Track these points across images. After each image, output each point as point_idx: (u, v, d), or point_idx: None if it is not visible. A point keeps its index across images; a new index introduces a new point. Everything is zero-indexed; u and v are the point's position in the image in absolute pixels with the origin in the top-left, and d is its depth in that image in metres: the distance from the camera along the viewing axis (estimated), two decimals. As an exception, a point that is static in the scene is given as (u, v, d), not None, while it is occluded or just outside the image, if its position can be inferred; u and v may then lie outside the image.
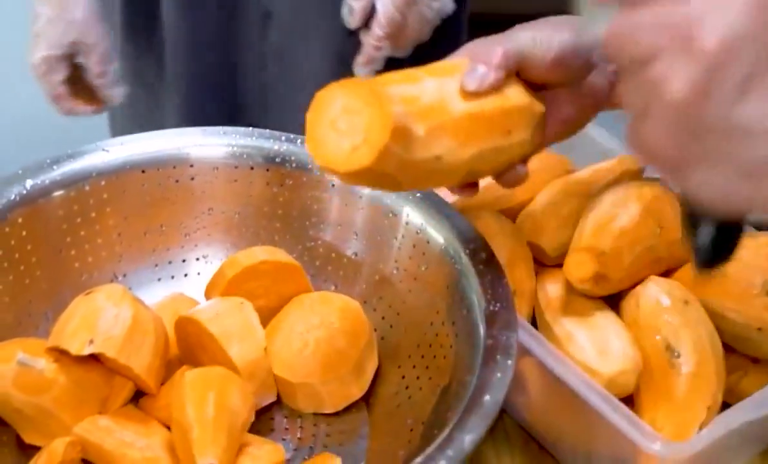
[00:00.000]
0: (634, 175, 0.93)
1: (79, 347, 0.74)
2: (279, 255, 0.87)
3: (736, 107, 0.48)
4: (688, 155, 0.50)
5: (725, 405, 0.79)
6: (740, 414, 0.76)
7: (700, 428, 0.76)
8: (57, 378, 0.75)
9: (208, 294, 0.87)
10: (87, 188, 0.86)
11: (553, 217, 0.90)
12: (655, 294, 0.81)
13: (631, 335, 0.81)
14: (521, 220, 0.92)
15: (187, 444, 0.71)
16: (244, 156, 0.91)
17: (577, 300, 0.84)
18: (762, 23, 0.47)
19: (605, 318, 0.82)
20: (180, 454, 0.72)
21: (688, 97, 0.48)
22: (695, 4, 0.49)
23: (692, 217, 0.57)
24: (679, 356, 0.78)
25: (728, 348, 0.82)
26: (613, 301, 0.85)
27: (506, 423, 0.87)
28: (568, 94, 0.77)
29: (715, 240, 0.56)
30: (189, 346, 0.82)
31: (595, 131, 1.00)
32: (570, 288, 0.85)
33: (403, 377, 0.82)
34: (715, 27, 0.47)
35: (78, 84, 1.11)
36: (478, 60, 0.70)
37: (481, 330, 0.74)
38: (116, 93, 1.13)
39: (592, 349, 0.79)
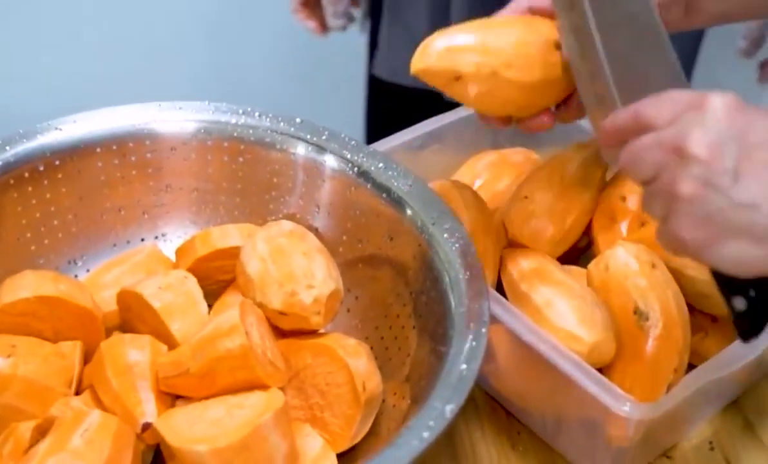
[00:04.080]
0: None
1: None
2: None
3: (735, 190, 0.59)
4: (709, 237, 0.61)
5: (689, 366, 0.80)
6: (705, 374, 0.77)
7: (668, 389, 0.78)
8: (15, 373, 0.72)
9: (177, 259, 0.86)
10: (41, 168, 0.84)
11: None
12: (624, 258, 0.82)
13: (602, 299, 0.82)
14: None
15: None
16: (201, 131, 0.89)
17: (552, 270, 0.85)
18: (736, 124, 0.60)
19: (583, 287, 0.83)
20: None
21: (694, 192, 0.60)
22: (683, 123, 0.61)
23: (726, 291, 0.66)
24: (647, 319, 0.79)
25: (690, 308, 0.84)
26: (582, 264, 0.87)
27: (474, 391, 0.87)
28: None
29: (751, 307, 0.65)
30: (131, 318, 0.81)
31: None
32: (543, 260, 0.86)
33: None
34: (699, 136, 0.60)
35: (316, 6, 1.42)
36: None
37: (451, 299, 0.75)
38: (336, 24, 1.43)
39: (572, 317, 0.80)
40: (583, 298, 0.81)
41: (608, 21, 0.72)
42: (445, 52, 0.77)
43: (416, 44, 0.78)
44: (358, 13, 1.47)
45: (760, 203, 0.59)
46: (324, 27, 1.45)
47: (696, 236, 0.61)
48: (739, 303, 0.65)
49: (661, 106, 0.64)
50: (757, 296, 0.65)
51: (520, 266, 0.86)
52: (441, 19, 1.30)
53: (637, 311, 0.80)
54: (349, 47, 1.65)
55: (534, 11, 0.81)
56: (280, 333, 0.79)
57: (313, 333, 0.78)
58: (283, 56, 2.20)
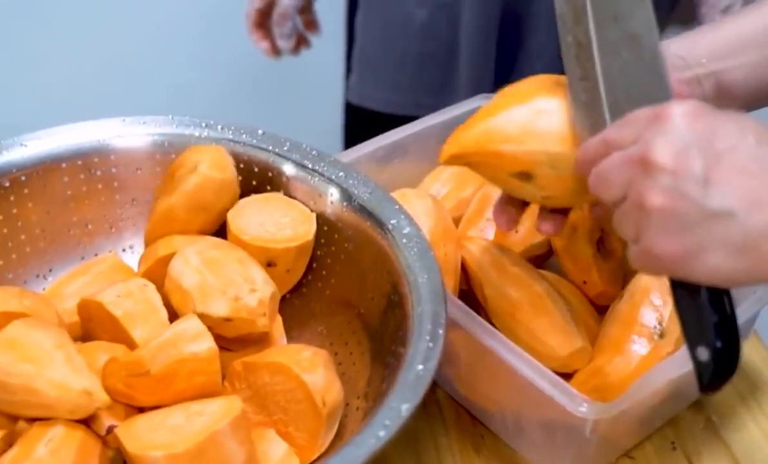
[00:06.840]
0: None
1: None
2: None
3: (706, 198, 0.58)
4: (684, 250, 0.59)
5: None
6: (661, 375, 0.78)
7: (625, 389, 0.79)
8: None
9: (139, 265, 0.88)
10: (7, 184, 0.85)
11: None
12: None
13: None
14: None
15: None
16: (165, 144, 0.90)
17: (522, 277, 0.87)
18: (699, 130, 0.60)
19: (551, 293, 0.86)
20: None
21: (663, 203, 0.59)
22: (645, 136, 0.61)
23: (689, 339, 0.64)
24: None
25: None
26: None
27: (438, 396, 0.89)
28: None
29: (714, 359, 0.63)
30: (92, 328, 0.81)
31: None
32: (514, 262, 0.88)
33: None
34: (662, 145, 0.59)
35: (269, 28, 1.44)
36: None
37: (410, 302, 0.76)
38: (284, 45, 1.44)
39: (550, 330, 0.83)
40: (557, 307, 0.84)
41: (609, 40, 0.68)
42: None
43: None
44: (314, 36, 1.47)
45: (734, 211, 0.58)
46: (275, 49, 1.45)
47: (670, 250, 0.59)
48: (702, 354, 0.63)
49: (624, 127, 0.64)
50: (721, 348, 0.63)
51: (490, 274, 0.88)
52: (410, 55, 1.34)
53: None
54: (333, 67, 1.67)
55: None
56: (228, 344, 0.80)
57: (260, 340, 0.80)
58: (262, 75, 2.20)
